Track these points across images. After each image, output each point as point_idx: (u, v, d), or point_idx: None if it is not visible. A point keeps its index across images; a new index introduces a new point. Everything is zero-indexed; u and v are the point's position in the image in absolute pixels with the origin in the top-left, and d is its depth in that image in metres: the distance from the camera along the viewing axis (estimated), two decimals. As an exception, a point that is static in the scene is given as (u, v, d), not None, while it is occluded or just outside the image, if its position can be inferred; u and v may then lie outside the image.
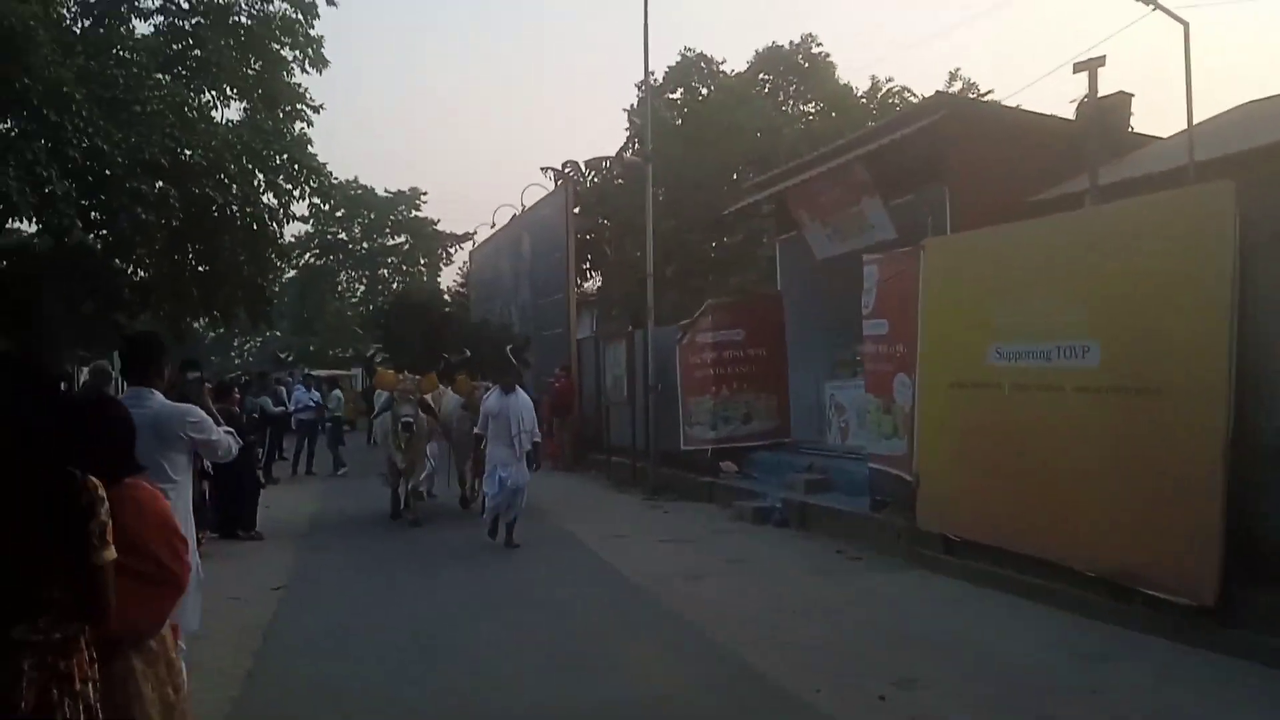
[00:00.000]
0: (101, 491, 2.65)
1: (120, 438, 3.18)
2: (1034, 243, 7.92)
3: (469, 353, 13.79)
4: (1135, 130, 9.22)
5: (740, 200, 16.67)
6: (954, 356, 8.64)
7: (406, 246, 52.33)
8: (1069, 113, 8.60)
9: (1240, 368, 6.09)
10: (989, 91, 24.47)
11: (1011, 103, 11.13)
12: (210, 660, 5.92)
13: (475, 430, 10.79)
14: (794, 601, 7.73)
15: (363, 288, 53.16)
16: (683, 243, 18.66)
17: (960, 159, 10.67)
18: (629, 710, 5.36)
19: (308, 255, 49.64)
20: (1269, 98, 9.72)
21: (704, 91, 29.22)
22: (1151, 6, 7.81)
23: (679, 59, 31.12)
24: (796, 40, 31.40)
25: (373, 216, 51.01)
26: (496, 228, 23.76)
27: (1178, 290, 6.45)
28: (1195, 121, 7.95)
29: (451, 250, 51.79)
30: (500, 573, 9.13)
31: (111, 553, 2.62)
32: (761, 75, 31.08)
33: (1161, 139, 10.16)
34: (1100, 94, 8.07)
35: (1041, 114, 11.14)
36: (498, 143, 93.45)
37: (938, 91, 17.52)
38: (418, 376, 12.29)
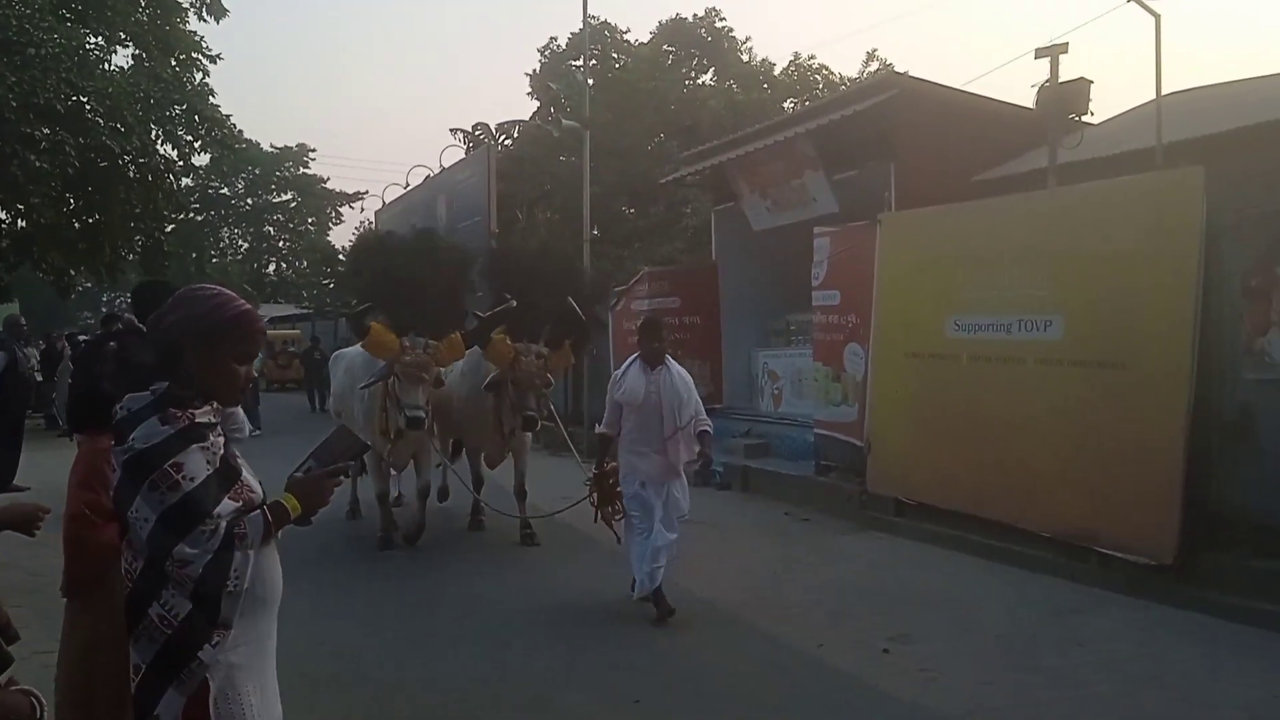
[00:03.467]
0: None
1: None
2: (999, 219, 8.25)
3: (514, 301, 8.03)
4: (1094, 114, 9.67)
5: (672, 170, 16.74)
6: (911, 328, 8.94)
7: (293, 204, 50.45)
8: (1030, 99, 8.89)
9: (1202, 346, 6.53)
10: (905, 72, 25.18)
11: (976, 89, 11.44)
12: None
13: (601, 429, 6.78)
14: (765, 561, 7.93)
15: (246, 245, 51.10)
16: (605, 210, 18.62)
17: (907, 137, 10.98)
18: (649, 673, 5.43)
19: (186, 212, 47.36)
20: (1234, 81, 10.34)
21: (615, 60, 29.09)
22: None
23: (582, 26, 30.91)
24: (700, 14, 31.57)
25: (257, 172, 48.91)
26: (409, 188, 23.13)
27: (1145, 270, 6.84)
28: (1161, 100, 8.36)
29: (340, 209, 50.28)
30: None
31: None
32: (665, 46, 31.15)
33: (1120, 116, 10.71)
34: (1061, 80, 8.42)
35: (992, 98, 11.55)
36: (390, 102, 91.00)
37: (889, 71, 17.92)
38: (431, 341, 7.85)
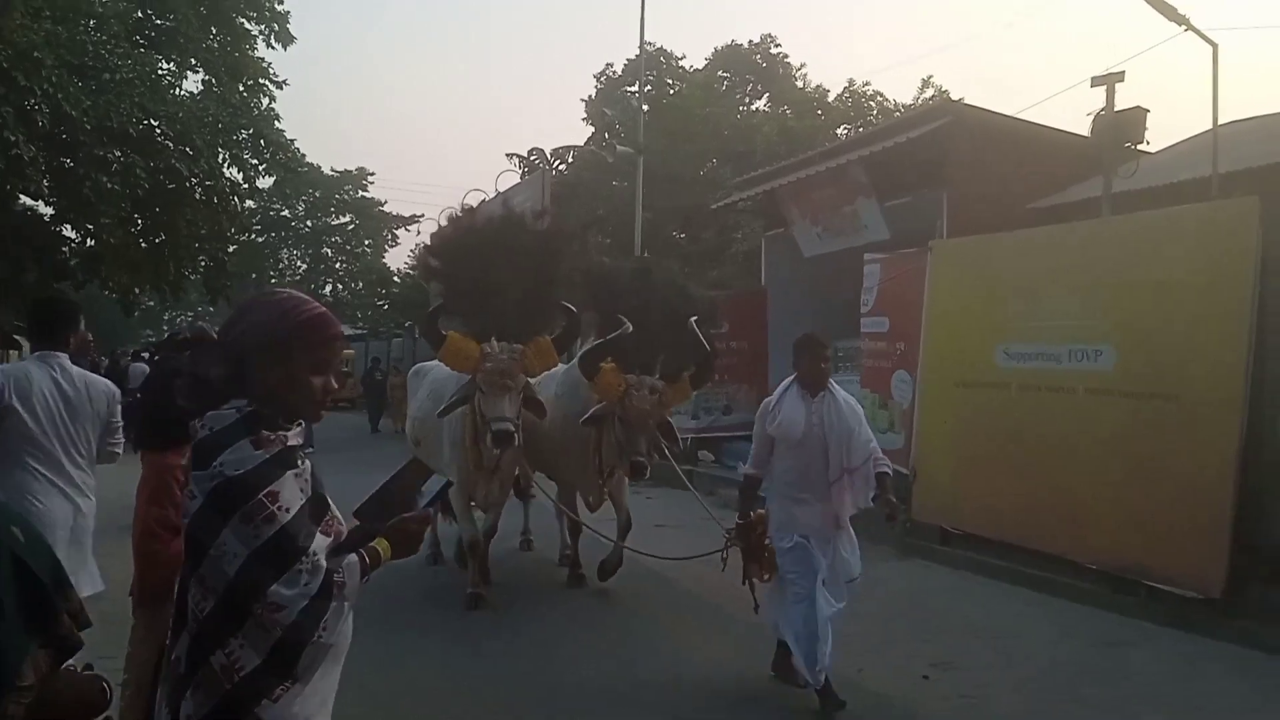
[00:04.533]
0: None
1: None
2: (1049, 248, 8.23)
3: (630, 325, 6.69)
4: (1149, 143, 9.63)
5: (724, 196, 16.86)
6: (960, 356, 8.92)
7: (351, 226, 51.53)
8: (1085, 126, 8.87)
9: (1254, 379, 6.45)
10: (960, 98, 25.16)
11: (1030, 116, 11.43)
12: None
13: (747, 470, 5.53)
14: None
15: (305, 266, 52.22)
16: (658, 235, 18.81)
17: (960, 165, 10.99)
18: (685, 690, 5.47)
19: (247, 233, 48.56)
20: None
21: (670, 85, 29.41)
22: (1183, 27, 8.18)
23: (638, 52, 31.34)
24: (756, 40, 31.83)
25: (318, 194, 50.07)
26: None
27: (1198, 301, 6.78)
28: (1218, 129, 8.31)
29: (397, 232, 51.25)
30: None
31: None
32: (720, 72, 31.41)
33: (1177, 145, 10.63)
34: (1117, 109, 8.40)
35: (1046, 125, 11.52)
36: (447, 128, 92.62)
37: (943, 98, 17.92)
38: (518, 347, 6.52)
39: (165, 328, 50.89)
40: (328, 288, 52.91)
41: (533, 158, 26.57)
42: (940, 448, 9.12)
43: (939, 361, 9.21)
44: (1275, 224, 6.54)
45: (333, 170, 50.13)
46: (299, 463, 2.01)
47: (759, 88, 31.30)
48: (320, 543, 1.98)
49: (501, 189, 22.00)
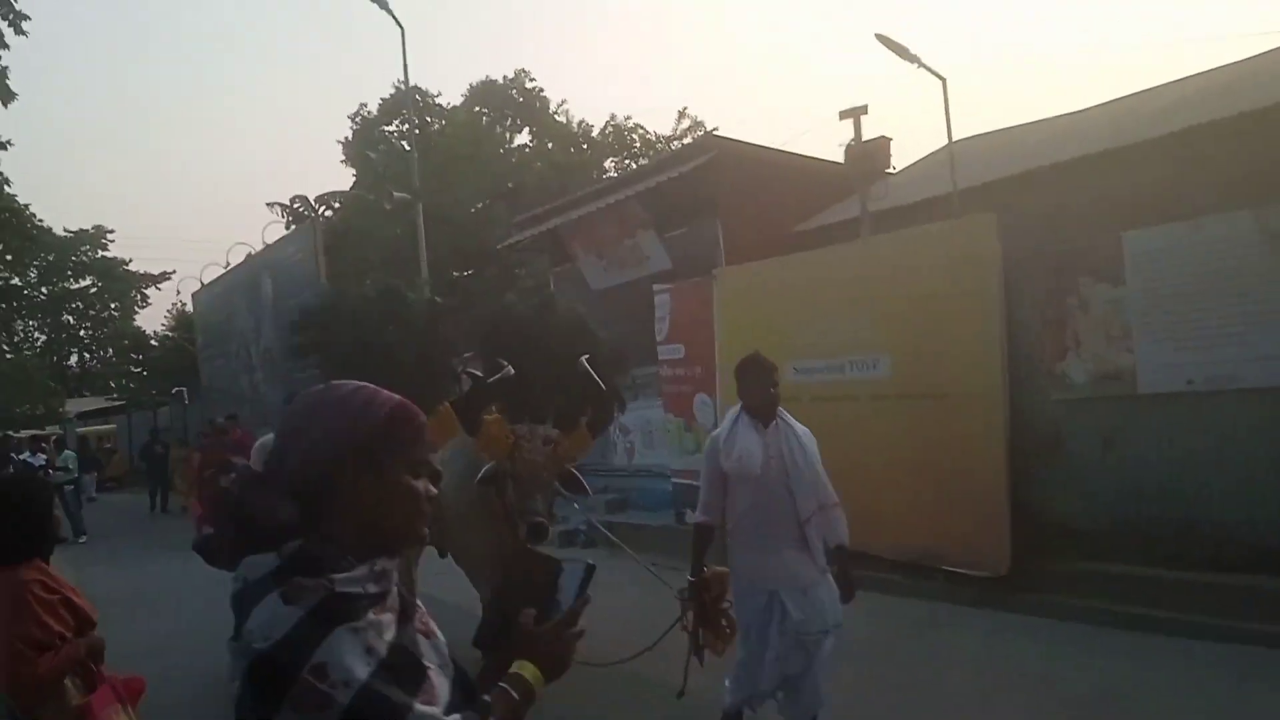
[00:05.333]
0: None
1: None
2: (822, 270, 8.92)
3: (510, 368, 5.97)
4: (895, 167, 10.61)
5: (501, 232, 17.02)
6: (753, 375, 9.48)
7: (94, 289, 47.58)
8: (838, 155, 9.70)
9: (1011, 373, 7.30)
10: (715, 128, 26.51)
11: (791, 149, 12.29)
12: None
13: (698, 517, 4.69)
14: (645, 611, 8.16)
15: (44, 337, 47.75)
16: (440, 277, 18.66)
17: (730, 194, 11.67)
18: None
19: (-26, 310, 43.89)
20: (1017, 125, 11.49)
21: (430, 123, 29.26)
22: (916, 64, 9.13)
23: (394, 90, 31.02)
24: (510, 75, 32.24)
25: (51, 258, 45.94)
26: (230, 267, 22.47)
27: (955, 307, 7.59)
28: (954, 150, 9.29)
29: (146, 291, 47.79)
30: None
31: None
32: (478, 108, 31.58)
33: (918, 162, 11.75)
34: (864, 138, 9.24)
35: (804, 155, 12.41)
36: (193, 177, 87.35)
37: (708, 133, 18.79)
38: (554, 432, 5.83)
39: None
40: (73, 358, 48.70)
41: (296, 206, 25.73)
42: (744, 463, 9.63)
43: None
44: (1010, 233, 7.45)
45: (66, 230, 46.15)
46: (361, 613, 1.44)
47: (518, 122, 31.70)
48: (425, 715, 1.41)
49: (269, 240, 21.25)
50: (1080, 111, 10.98)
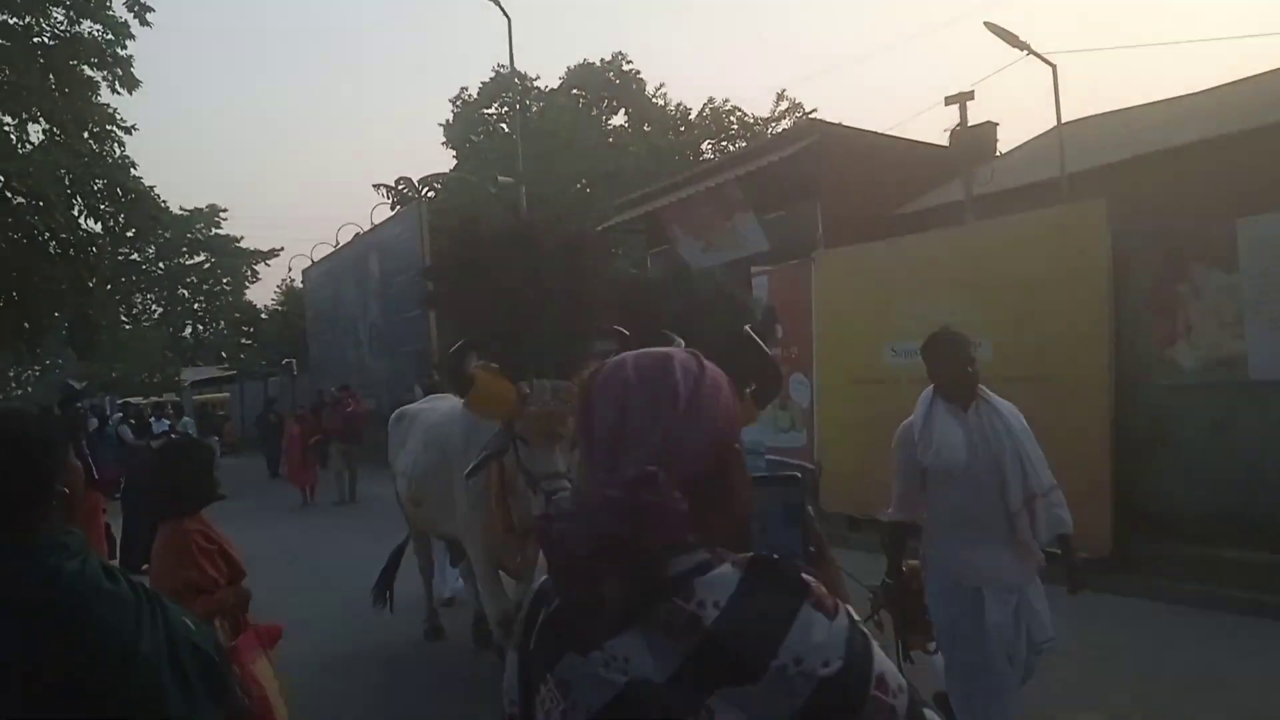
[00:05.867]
0: None
1: None
2: (925, 253, 8.99)
3: (681, 341, 4.55)
4: (1000, 154, 10.57)
5: (599, 215, 17.34)
6: (852, 356, 9.61)
7: (207, 265, 49.77)
8: (944, 141, 9.73)
9: (1118, 359, 7.31)
10: (813, 110, 26.34)
11: (897, 133, 12.32)
12: None
13: (893, 514, 4.20)
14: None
15: (160, 309, 50.14)
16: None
17: (830, 177, 11.76)
18: None
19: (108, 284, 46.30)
20: (1128, 108, 11.33)
21: (529, 106, 29.75)
22: (1025, 52, 9.10)
23: (493, 75, 31.55)
24: (607, 58, 32.48)
25: (168, 235, 48.14)
26: (339, 246, 23.35)
27: (1061, 293, 7.60)
28: (1063, 137, 9.24)
29: (256, 267, 49.83)
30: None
31: None
32: (575, 90, 31.92)
33: (1027, 143, 11.67)
34: (970, 123, 9.25)
35: (907, 139, 12.41)
36: (300, 159, 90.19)
37: (809, 117, 18.85)
38: (563, 385, 4.93)
39: (15, 387, 48.00)
40: (187, 329, 51.01)
41: (401, 187, 26.50)
42: (841, 441, 9.78)
43: (832, 362, 9.89)
44: (1120, 217, 7.43)
45: (182, 209, 48.31)
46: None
47: (615, 104, 31.97)
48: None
49: (376, 221, 22.01)
50: (1193, 94, 10.73)
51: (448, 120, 32.50)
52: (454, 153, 31.89)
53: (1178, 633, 6.13)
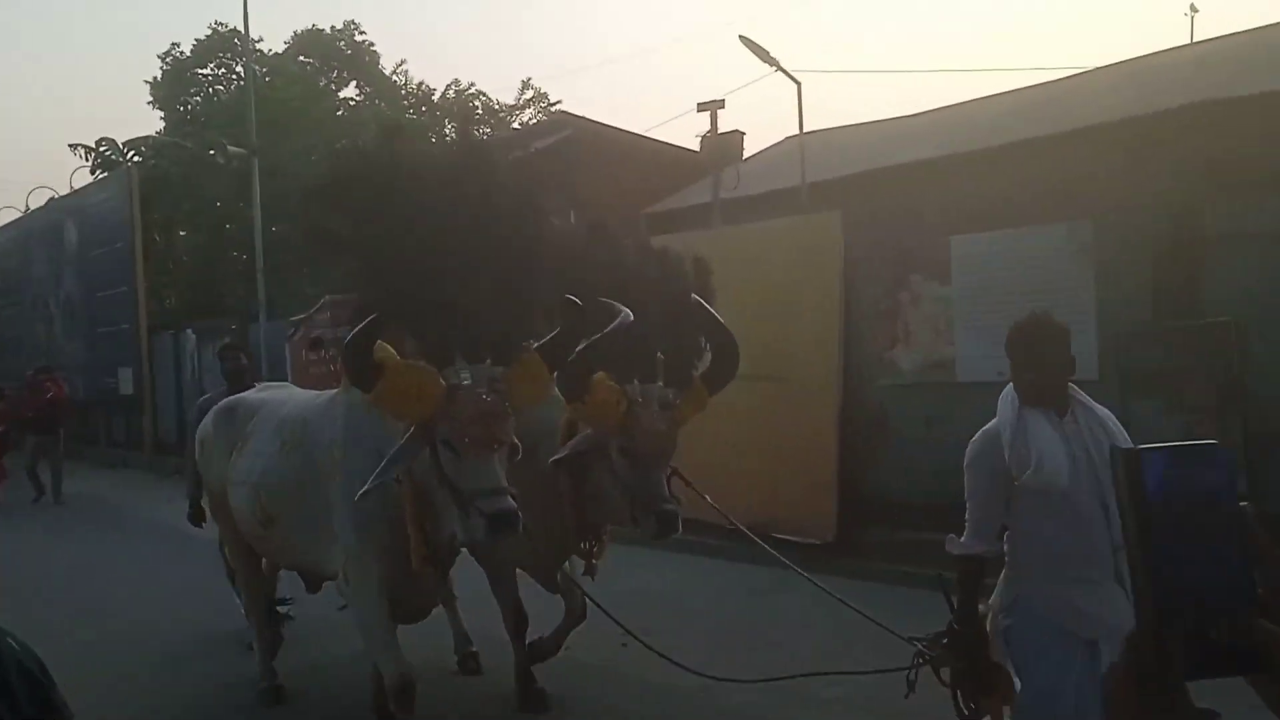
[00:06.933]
0: None
1: None
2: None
3: (629, 314, 4.31)
4: (746, 161, 11.14)
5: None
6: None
7: None
8: (695, 146, 10.14)
9: (846, 359, 7.96)
10: (558, 102, 26.50)
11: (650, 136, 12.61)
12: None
13: (969, 546, 3.45)
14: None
15: None
16: (265, 234, 17.95)
17: (583, 172, 11.93)
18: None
19: None
20: (864, 123, 12.16)
21: (254, 70, 27.92)
22: (773, 68, 9.63)
23: (210, 33, 29.49)
24: (339, 26, 31.08)
25: None
26: (29, 211, 20.84)
27: (798, 297, 8.18)
28: (804, 146, 9.84)
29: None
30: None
31: None
32: (301, 57, 30.35)
33: (769, 149, 12.30)
34: (721, 131, 9.71)
35: (658, 140, 12.79)
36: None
37: (563, 111, 18.82)
38: (498, 371, 3.89)
39: None
40: None
41: (104, 149, 24.04)
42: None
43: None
44: (851, 228, 8.08)
45: None
46: None
47: (346, 75, 30.64)
48: None
49: (77, 186, 19.86)
50: (922, 114, 11.80)
51: (155, 78, 29.91)
52: (162, 114, 29.42)
53: (900, 611, 6.75)
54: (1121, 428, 3.32)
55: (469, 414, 3.72)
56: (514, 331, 4.02)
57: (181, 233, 25.03)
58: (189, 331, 17.42)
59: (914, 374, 7.86)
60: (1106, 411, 3.34)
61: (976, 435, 3.46)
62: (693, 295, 4.82)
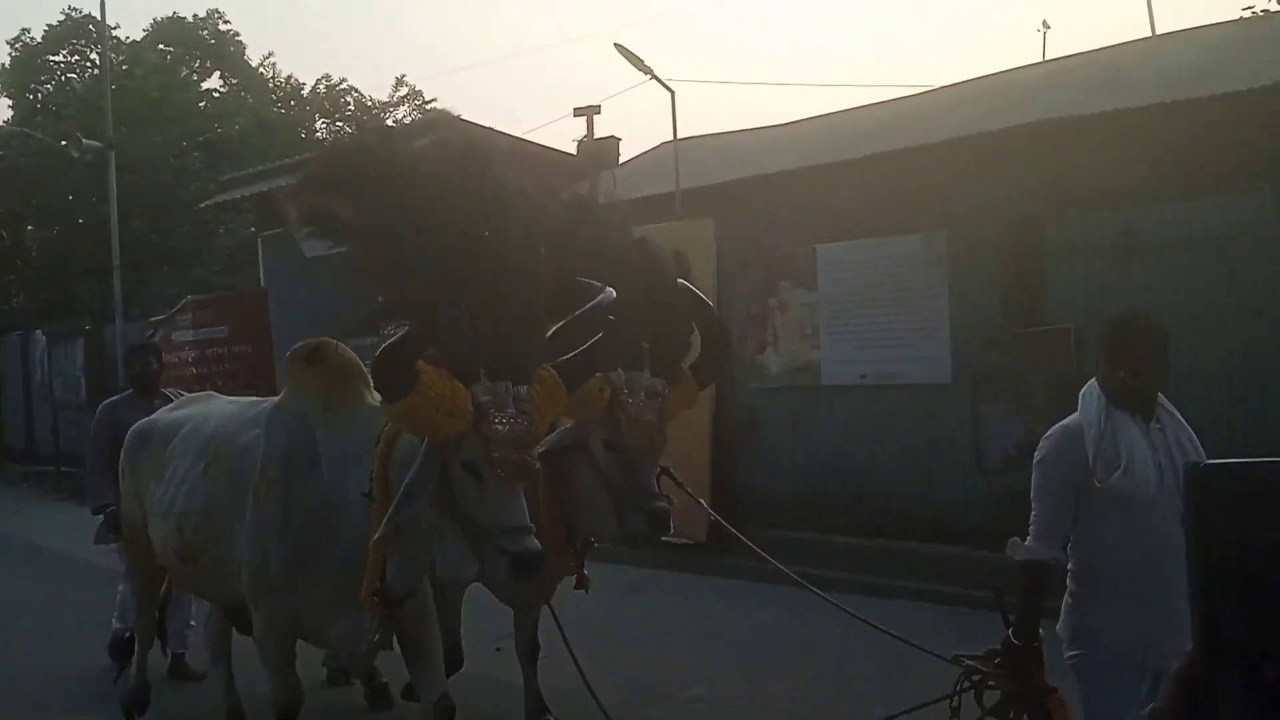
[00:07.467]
0: None
1: None
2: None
3: (612, 292, 3.87)
4: (622, 165, 11.21)
5: (199, 186, 16.08)
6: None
7: None
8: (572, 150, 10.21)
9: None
10: (433, 100, 26.08)
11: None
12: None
13: (1035, 551, 3.00)
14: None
15: None
16: (124, 231, 17.16)
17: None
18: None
19: None
20: (735, 131, 12.34)
21: (110, 58, 26.68)
22: (648, 76, 9.75)
23: (63, 18, 28.17)
24: (201, 14, 30.00)
25: None
26: None
27: (673, 302, 8.33)
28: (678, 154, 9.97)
29: None
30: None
31: None
32: (161, 46, 29.22)
33: (643, 155, 12.37)
34: (597, 136, 9.80)
35: (533, 142, 12.75)
36: None
37: (437, 109, 18.55)
38: (524, 390, 3.38)
39: None
40: None
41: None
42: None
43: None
44: (723, 235, 8.30)
45: None
46: None
47: (209, 65, 29.62)
48: None
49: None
50: (791, 124, 12.09)
51: (3, 65, 28.36)
52: (10, 103, 27.93)
53: (765, 607, 6.98)
54: (1200, 446, 3.06)
55: (502, 435, 3.30)
56: (537, 347, 3.58)
57: (30, 228, 23.89)
58: (39, 333, 16.57)
59: (781, 377, 8.12)
60: (1188, 428, 3.09)
61: (1052, 430, 3.12)
62: (680, 280, 4.55)
